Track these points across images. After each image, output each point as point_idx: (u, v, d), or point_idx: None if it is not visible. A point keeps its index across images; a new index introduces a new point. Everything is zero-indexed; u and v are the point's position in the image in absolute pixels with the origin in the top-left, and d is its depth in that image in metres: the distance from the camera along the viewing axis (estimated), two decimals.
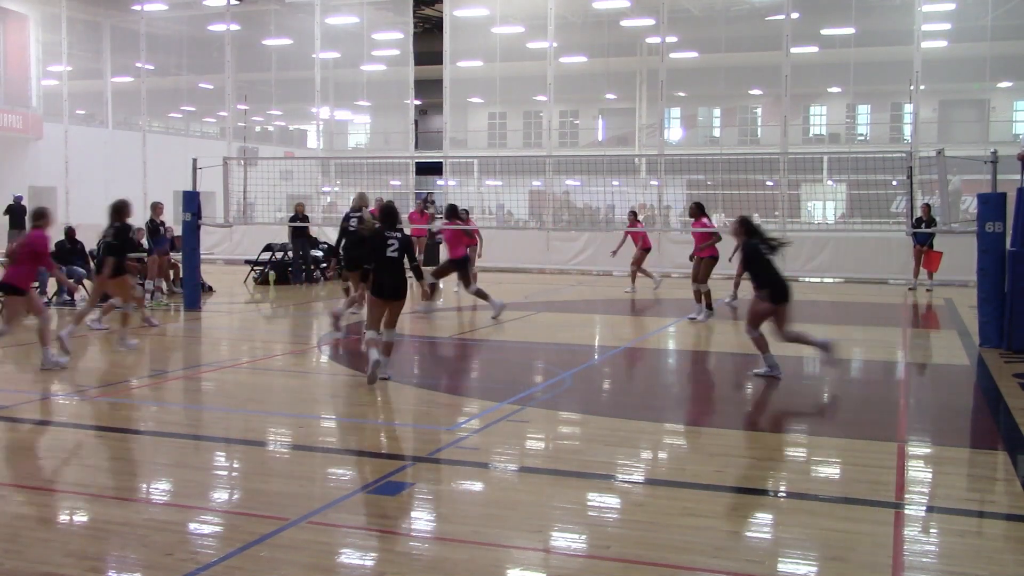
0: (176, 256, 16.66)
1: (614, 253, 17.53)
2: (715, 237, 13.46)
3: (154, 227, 15.81)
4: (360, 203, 13.15)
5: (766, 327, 8.95)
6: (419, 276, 9.43)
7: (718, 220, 18.83)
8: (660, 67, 25.13)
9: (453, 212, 14.29)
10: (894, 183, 20.16)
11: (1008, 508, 5.56)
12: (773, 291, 8.79)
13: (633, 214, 17.77)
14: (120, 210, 10.96)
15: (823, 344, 8.98)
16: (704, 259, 13.49)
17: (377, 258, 8.70)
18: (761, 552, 4.73)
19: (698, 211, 13.81)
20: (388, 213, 9.01)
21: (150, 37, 31.51)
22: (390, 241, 8.70)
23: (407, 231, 12.27)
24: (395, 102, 33.56)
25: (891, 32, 27.67)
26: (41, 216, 9.59)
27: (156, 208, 16.20)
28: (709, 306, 13.56)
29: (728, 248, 11.61)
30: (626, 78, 35.29)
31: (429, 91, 31.72)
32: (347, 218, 12.89)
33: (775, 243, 9.03)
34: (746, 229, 9.11)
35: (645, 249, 17.51)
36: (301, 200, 20.30)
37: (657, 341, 12.01)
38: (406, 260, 8.81)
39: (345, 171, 31.10)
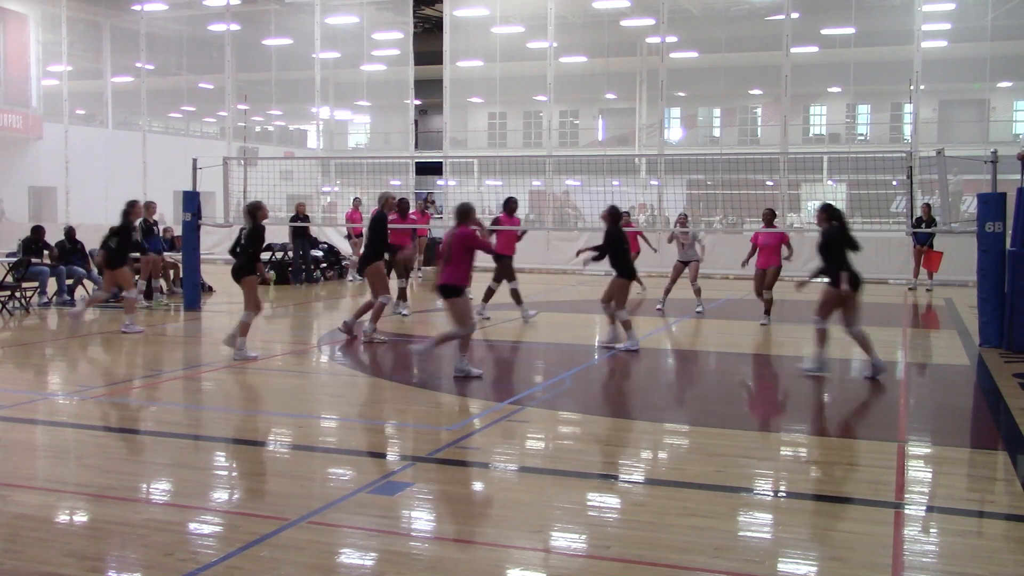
0: (176, 256, 16.65)
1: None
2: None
3: (147, 227, 15.70)
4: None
5: None
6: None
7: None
8: (660, 67, 25.13)
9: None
10: (894, 183, 20.16)
11: (1008, 508, 5.56)
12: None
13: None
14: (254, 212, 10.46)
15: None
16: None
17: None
18: (761, 552, 4.73)
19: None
20: (617, 215, 10.84)
21: (150, 37, 31.51)
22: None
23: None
24: (395, 102, 33.56)
25: (891, 32, 27.68)
26: (467, 214, 9.15)
27: (149, 208, 16.11)
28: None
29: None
30: (626, 78, 35.29)
31: (429, 91, 31.71)
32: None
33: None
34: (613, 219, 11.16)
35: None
36: (302, 200, 20.32)
37: (656, 341, 12.01)
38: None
39: (345, 171, 31.12)
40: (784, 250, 13.22)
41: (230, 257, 11.25)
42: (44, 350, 11.36)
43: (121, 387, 8.94)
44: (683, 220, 15.13)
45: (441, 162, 28.36)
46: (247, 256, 10.24)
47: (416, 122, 34.86)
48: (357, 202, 21.32)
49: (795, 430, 7.56)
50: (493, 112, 38.44)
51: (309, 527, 4.91)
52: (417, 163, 30.47)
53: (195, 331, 13.10)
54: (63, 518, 5.23)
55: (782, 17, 24.27)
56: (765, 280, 13.09)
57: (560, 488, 5.80)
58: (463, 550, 4.67)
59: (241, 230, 10.69)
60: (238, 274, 10.24)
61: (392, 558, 4.56)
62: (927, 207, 17.21)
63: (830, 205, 9.49)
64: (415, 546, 4.78)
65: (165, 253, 16.73)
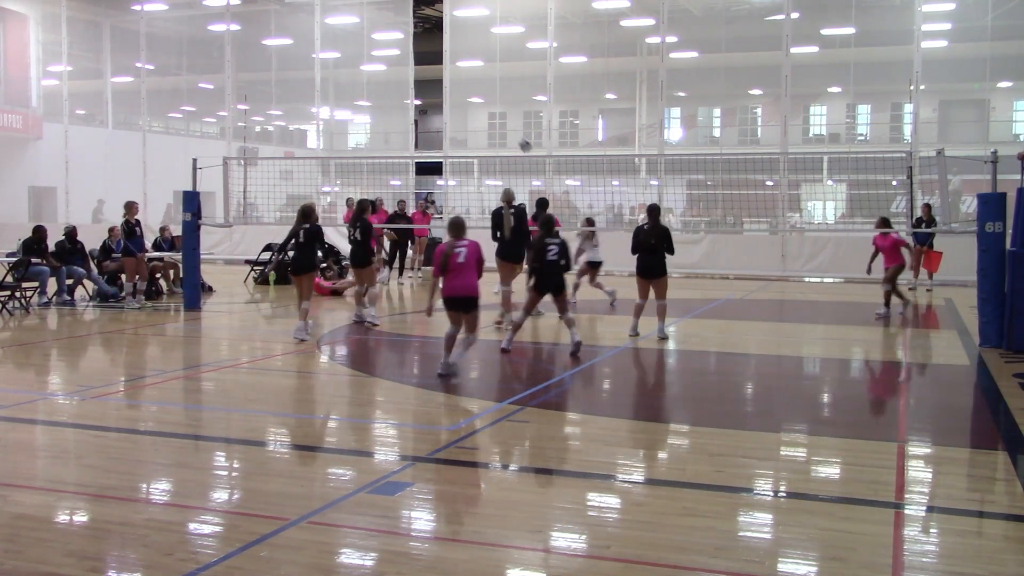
0: (176, 256, 16.65)
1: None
2: None
3: (129, 228, 15.48)
4: (508, 197, 12.82)
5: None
6: (569, 270, 10.93)
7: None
8: (660, 67, 25.12)
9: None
10: (894, 183, 20.17)
11: (1008, 508, 5.56)
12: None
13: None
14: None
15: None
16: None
17: (540, 260, 10.34)
18: (761, 552, 4.73)
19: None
20: (547, 222, 10.53)
21: (150, 37, 31.50)
22: (550, 247, 10.32)
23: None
24: (395, 102, 33.53)
25: (891, 32, 27.67)
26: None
27: (131, 208, 15.85)
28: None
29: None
30: (626, 78, 35.25)
31: (429, 91, 31.70)
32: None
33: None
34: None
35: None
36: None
37: (657, 341, 11.99)
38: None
39: (345, 171, 31.10)
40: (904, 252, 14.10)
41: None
42: (44, 350, 11.36)
43: (121, 387, 8.94)
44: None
45: (441, 162, 28.36)
46: (363, 248, 12.75)
47: (416, 122, 34.84)
48: (351, 202, 21.29)
49: (795, 430, 7.56)
50: (493, 112, 38.41)
51: (309, 527, 4.91)
52: (417, 163, 30.47)
53: (195, 331, 13.10)
54: (63, 518, 5.23)
55: (782, 17, 24.26)
56: (889, 275, 13.92)
57: (560, 488, 5.80)
58: (463, 550, 4.67)
59: (356, 225, 12.91)
60: (360, 260, 12.75)
61: (392, 558, 4.56)
62: (927, 207, 17.21)
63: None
64: (415, 546, 4.78)
65: (165, 253, 16.75)
